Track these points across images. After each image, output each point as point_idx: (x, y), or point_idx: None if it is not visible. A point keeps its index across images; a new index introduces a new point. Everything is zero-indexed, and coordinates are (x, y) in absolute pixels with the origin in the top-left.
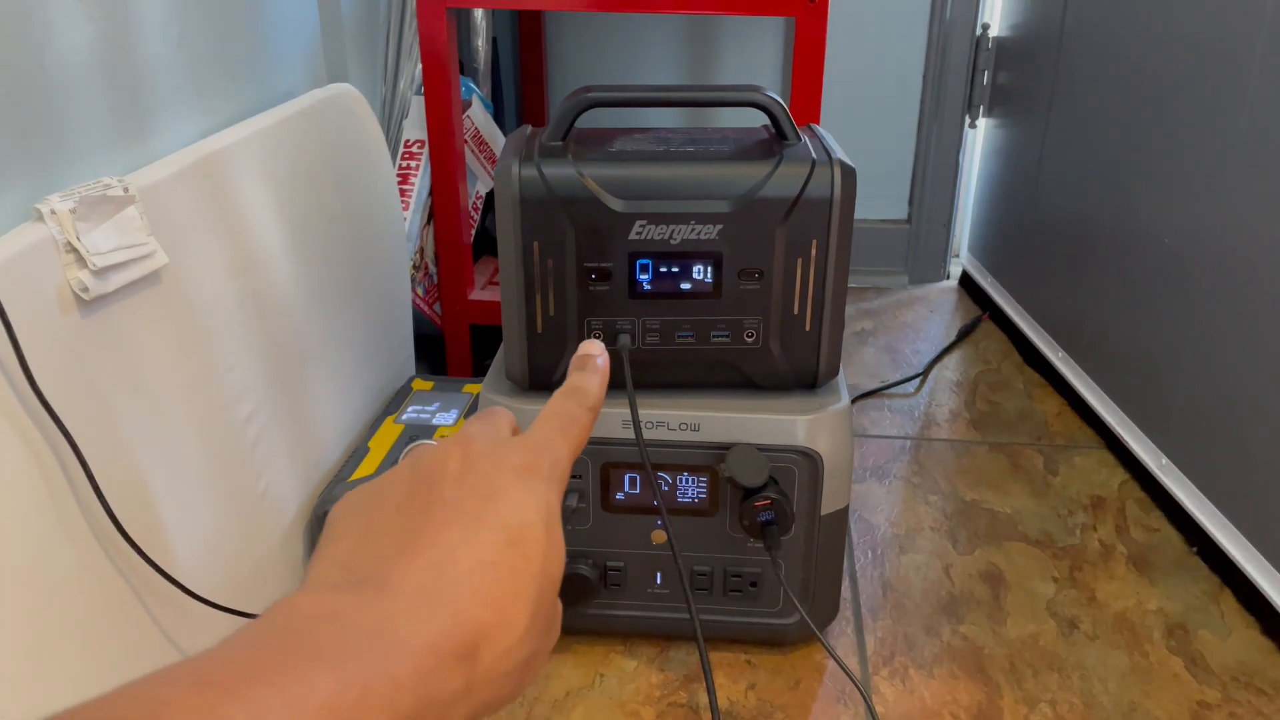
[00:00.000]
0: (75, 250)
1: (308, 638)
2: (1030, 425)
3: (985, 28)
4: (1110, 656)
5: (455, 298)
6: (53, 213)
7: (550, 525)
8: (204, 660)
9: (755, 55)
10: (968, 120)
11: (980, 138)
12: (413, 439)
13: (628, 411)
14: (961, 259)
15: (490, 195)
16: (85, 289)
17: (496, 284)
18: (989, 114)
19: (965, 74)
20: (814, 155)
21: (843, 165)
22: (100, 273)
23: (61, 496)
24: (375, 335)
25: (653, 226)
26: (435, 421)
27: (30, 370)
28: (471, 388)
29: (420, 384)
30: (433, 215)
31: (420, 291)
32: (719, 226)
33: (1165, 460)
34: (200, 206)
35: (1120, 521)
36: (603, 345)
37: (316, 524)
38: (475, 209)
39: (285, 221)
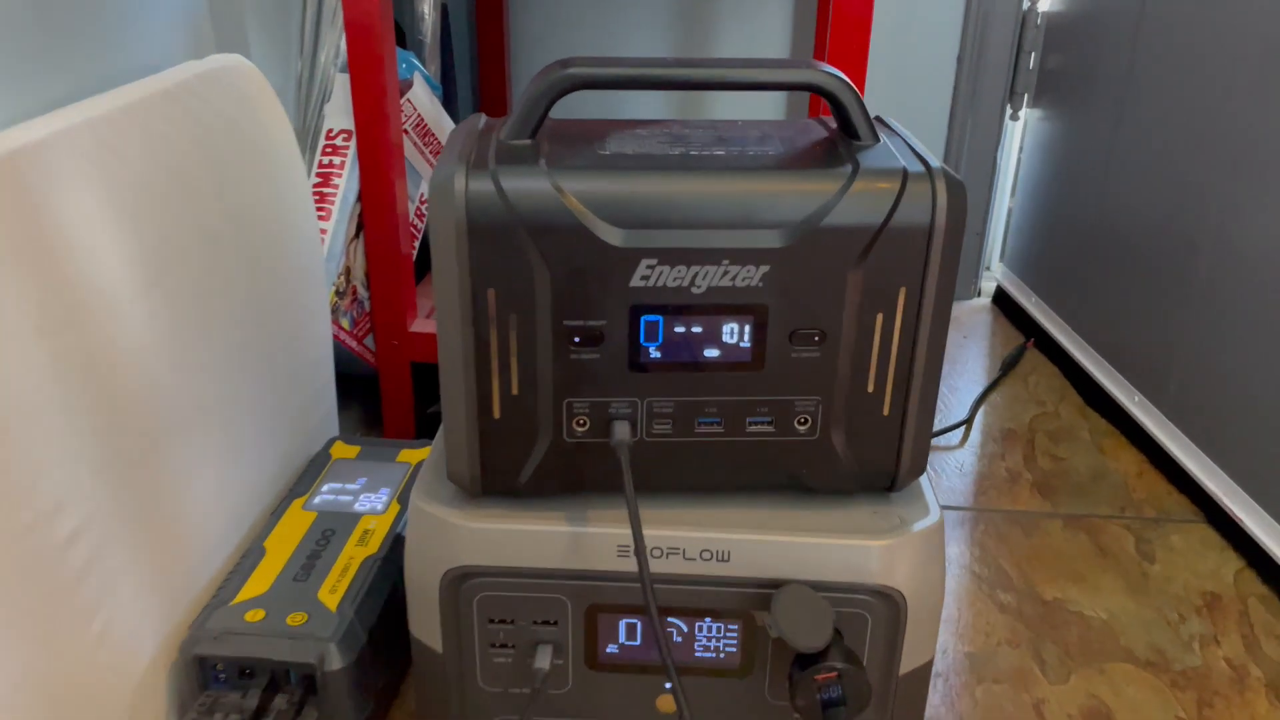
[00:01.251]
0: None
1: None
2: (1108, 490)
3: (1034, 2)
4: None
5: (392, 330)
6: None
7: None
8: None
9: (761, 31)
10: (1009, 110)
11: (1022, 131)
12: (326, 533)
13: (624, 531)
14: (994, 273)
15: None
16: None
17: None
18: (1035, 104)
19: (1008, 56)
20: (903, 163)
21: (948, 178)
22: None
23: None
24: (279, 390)
25: (666, 269)
26: (358, 507)
27: None
28: (410, 454)
29: (342, 449)
30: (363, 226)
31: (347, 324)
32: (764, 269)
33: None
34: None
35: (1246, 630)
36: None
37: (186, 667)
38: (419, 216)
39: (135, 245)
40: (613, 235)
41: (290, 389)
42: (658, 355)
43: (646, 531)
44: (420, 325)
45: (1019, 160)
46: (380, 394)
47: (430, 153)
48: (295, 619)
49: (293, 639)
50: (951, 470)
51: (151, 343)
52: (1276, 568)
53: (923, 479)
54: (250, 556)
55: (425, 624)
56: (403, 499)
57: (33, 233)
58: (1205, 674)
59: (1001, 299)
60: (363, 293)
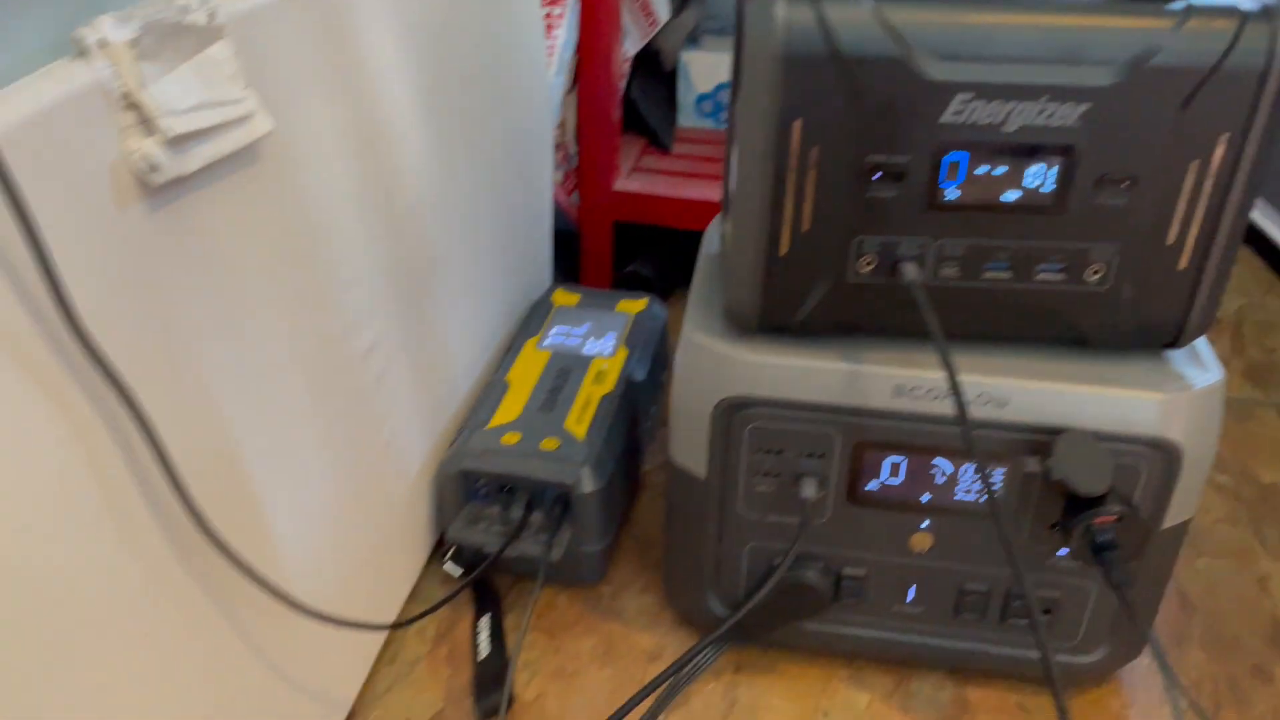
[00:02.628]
0: (138, 106)
1: None
2: None
3: None
4: None
5: (598, 188)
6: (103, 44)
7: None
8: None
9: None
10: None
11: None
12: (562, 371)
13: (901, 371)
14: None
15: (640, 59)
16: (155, 168)
17: (643, 170)
18: None
19: None
20: (1238, 1)
21: None
22: (177, 142)
23: (115, 481)
24: (512, 234)
25: (981, 104)
26: (587, 350)
27: (67, 297)
28: (628, 304)
29: (563, 297)
30: (576, 80)
31: (558, 178)
32: (1084, 107)
33: None
34: (313, 51)
35: None
36: None
37: (449, 481)
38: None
39: (414, 79)
40: (932, 68)
41: (519, 232)
42: (956, 195)
43: (923, 373)
44: (623, 184)
45: None
46: (580, 251)
47: (638, 8)
48: (548, 444)
49: (551, 460)
50: None
51: (426, 175)
52: None
53: (1201, 338)
54: (495, 388)
55: (690, 450)
56: (630, 344)
57: (344, 55)
58: None
59: None
60: (572, 149)
